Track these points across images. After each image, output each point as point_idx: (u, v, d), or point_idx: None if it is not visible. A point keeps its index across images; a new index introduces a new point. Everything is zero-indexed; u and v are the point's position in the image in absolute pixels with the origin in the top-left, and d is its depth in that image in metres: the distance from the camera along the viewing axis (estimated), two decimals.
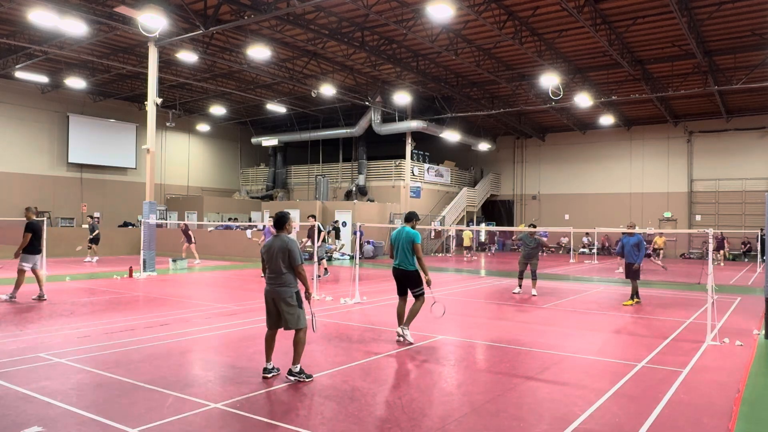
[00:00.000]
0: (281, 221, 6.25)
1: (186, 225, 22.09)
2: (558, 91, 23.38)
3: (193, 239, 21.54)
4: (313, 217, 16.45)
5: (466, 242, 27.67)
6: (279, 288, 6.07)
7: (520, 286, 14.12)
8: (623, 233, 12.26)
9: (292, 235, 6.37)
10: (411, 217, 8.40)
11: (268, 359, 6.24)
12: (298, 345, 6.10)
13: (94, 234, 21.51)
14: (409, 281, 8.07)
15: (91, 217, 22.70)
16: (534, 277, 13.69)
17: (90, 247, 21.68)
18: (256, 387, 5.79)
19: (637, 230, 12.36)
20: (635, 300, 12.21)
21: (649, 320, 10.44)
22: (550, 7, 17.02)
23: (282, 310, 6.08)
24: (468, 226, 32.55)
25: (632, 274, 12.02)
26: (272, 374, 6.17)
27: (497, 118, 31.58)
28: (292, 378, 6.02)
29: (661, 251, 27.85)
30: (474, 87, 26.68)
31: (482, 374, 6.61)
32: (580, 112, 30.51)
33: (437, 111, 29.26)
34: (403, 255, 8.04)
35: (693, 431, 4.82)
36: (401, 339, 8.06)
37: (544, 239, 33.02)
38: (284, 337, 6.56)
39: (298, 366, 6.09)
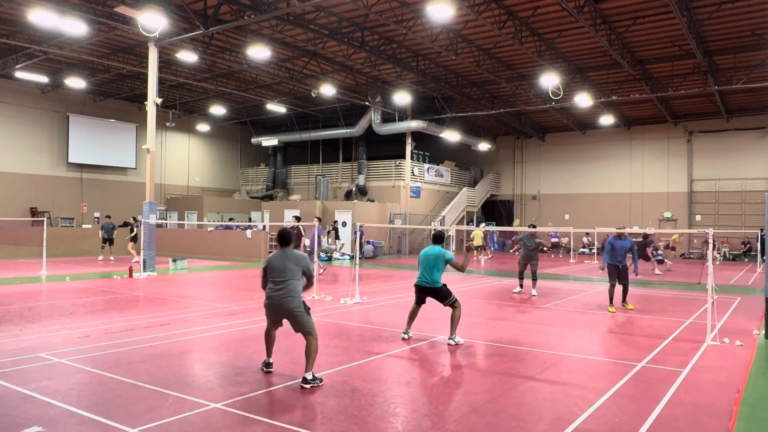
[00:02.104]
0: (285, 238, 6.23)
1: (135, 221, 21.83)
2: (558, 91, 23.38)
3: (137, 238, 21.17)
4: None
5: (477, 242, 27.50)
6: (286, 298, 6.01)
7: (521, 285, 14.19)
8: (628, 235, 12.00)
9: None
10: (442, 238, 8.44)
11: (269, 355, 6.39)
12: (310, 354, 5.92)
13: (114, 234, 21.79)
14: (440, 296, 8.16)
15: (108, 217, 22.80)
16: (534, 278, 13.72)
17: (102, 247, 21.75)
18: (256, 387, 5.79)
19: (635, 230, 12.28)
20: (627, 304, 11.71)
21: (649, 320, 10.44)
22: (550, 7, 17.02)
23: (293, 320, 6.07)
24: (477, 225, 32.51)
25: (623, 277, 11.74)
26: (270, 369, 6.31)
27: (497, 118, 31.58)
28: (307, 386, 5.77)
29: (673, 251, 27.66)
30: (474, 87, 26.68)
31: (482, 374, 6.61)
32: (580, 112, 30.51)
33: (437, 111, 29.26)
34: (430, 272, 8.13)
35: (693, 431, 4.82)
36: (406, 338, 8.35)
37: (554, 240, 32.97)
38: (283, 337, 6.57)
39: (311, 372, 5.89)
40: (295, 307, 5.98)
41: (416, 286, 8.36)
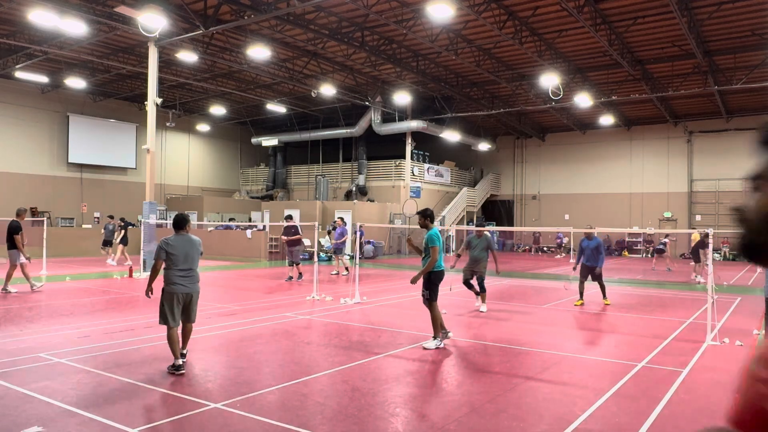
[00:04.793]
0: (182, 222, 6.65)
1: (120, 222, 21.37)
2: (558, 91, 23.37)
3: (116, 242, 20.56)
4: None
5: None
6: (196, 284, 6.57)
7: (477, 294, 11.38)
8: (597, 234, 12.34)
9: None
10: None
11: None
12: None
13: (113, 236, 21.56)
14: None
15: (111, 217, 22.58)
16: (482, 288, 11.22)
17: (104, 248, 21.68)
18: (256, 387, 5.79)
19: (636, 230, 12.39)
20: (605, 301, 12.20)
21: (649, 320, 10.44)
22: (550, 7, 17.01)
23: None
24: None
25: (596, 277, 11.92)
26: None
27: (497, 118, 31.57)
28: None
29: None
30: (474, 87, 26.67)
31: (482, 374, 6.61)
32: (580, 112, 30.50)
33: (437, 111, 29.25)
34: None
35: (693, 431, 4.82)
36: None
37: (559, 240, 32.88)
38: (285, 337, 6.56)
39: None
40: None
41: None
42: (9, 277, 12.39)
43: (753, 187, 1.13)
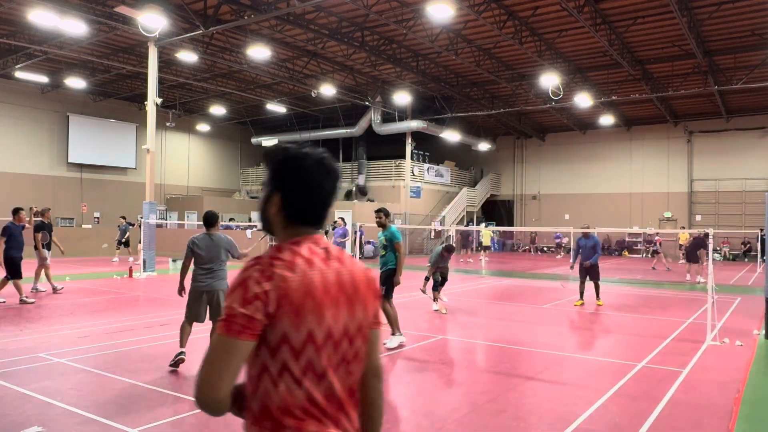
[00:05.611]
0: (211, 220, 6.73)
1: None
2: (558, 91, 23.37)
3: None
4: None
5: (486, 242, 27.48)
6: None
7: (435, 300, 11.15)
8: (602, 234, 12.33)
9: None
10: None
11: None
12: None
13: (125, 236, 21.57)
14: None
15: (124, 218, 22.65)
16: (434, 288, 11.16)
17: (118, 248, 21.77)
18: None
19: (635, 229, 12.37)
20: (598, 302, 12.12)
21: (649, 320, 10.44)
22: (550, 7, 17.01)
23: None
24: (485, 226, 32.49)
25: (591, 273, 11.95)
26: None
27: (497, 118, 31.56)
28: None
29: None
30: (474, 87, 26.67)
31: (482, 374, 6.61)
32: (580, 112, 30.48)
33: (437, 111, 29.24)
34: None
35: (693, 431, 4.82)
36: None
37: (557, 240, 32.86)
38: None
39: None
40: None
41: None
42: (47, 277, 12.65)
43: (262, 190, 1.73)
